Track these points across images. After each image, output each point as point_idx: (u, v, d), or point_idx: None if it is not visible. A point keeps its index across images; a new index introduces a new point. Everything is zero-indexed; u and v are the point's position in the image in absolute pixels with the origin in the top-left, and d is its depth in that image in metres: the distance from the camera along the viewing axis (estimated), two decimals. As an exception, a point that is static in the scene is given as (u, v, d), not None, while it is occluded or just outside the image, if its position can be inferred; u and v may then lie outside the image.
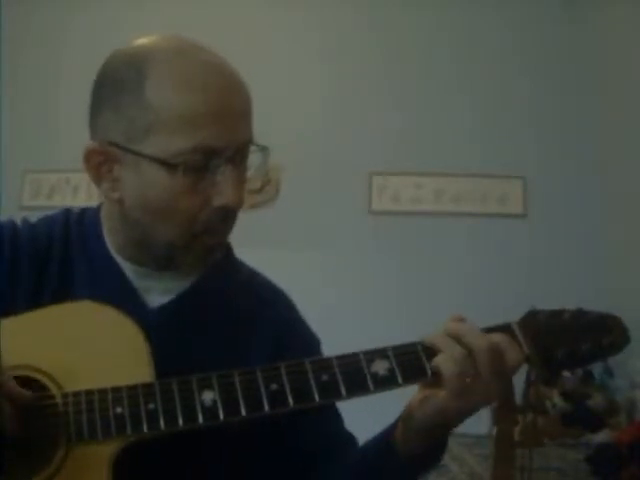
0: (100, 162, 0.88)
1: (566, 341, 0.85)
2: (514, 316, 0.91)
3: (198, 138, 0.83)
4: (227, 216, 0.89)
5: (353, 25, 3.69)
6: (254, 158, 0.91)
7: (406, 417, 0.85)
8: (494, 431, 2.13)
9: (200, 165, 0.84)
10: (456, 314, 0.85)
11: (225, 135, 0.85)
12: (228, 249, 1.03)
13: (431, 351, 0.83)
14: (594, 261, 3.39)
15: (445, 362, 0.80)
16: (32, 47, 3.78)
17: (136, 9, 3.70)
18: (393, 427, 0.88)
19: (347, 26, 3.69)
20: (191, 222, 0.86)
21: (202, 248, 0.90)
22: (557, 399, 2.91)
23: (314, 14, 3.73)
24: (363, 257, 3.53)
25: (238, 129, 0.87)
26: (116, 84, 0.86)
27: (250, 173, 0.91)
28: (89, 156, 0.88)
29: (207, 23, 3.17)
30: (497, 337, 0.82)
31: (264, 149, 0.91)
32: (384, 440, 0.89)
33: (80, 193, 3.69)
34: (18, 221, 0.98)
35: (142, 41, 0.89)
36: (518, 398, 1.97)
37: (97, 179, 0.90)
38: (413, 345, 0.84)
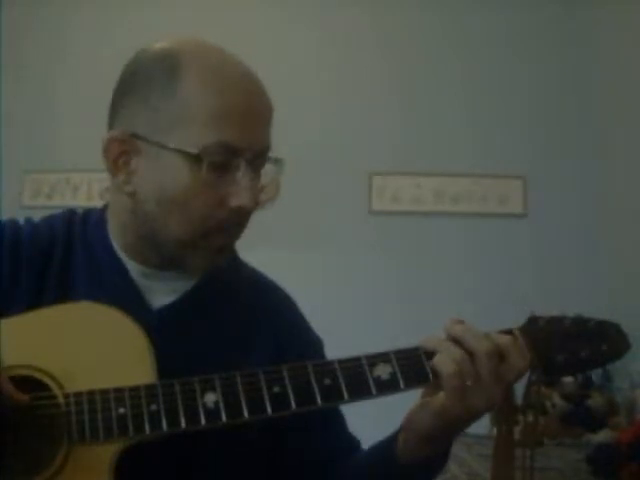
0: (119, 153, 0.88)
1: (566, 347, 0.86)
2: (514, 316, 0.91)
3: (224, 135, 0.84)
4: (241, 217, 0.89)
5: (353, 25, 3.69)
6: (267, 169, 0.92)
7: (407, 422, 0.85)
8: (494, 431, 2.13)
9: (222, 163, 0.85)
10: (454, 317, 0.85)
11: (249, 137, 0.86)
12: (232, 250, 1.03)
13: (433, 356, 0.83)
14: (594, 261, 3.39)
15: (443, 361, 0.80)
16: (32, 47, 3.78)
17: (136, 9, 3.70)
18: (396, 434, 0.88)
19: (347, 26, 3.69)
20: (204, 220, 0.87)
21: (211, 248, 0.90)
22: (557, 399, 2.91)
23: (314, 14, 3.73)
24: (363, 257, 3.52)
25: (261, 133, 0.89)
26: (146, 78, 0.87)
27: (263, 181, 0.91)
28: (109, 145, 0.88)
29: (207, 23, 3.16)
30: (502, 339, 0.82)
31: (279, 161, 0.92)
32: (386, 446, 0.89)
33: (80, 193, 3.69)
34: (20, 221, 0.98)
35: (172, 40, 0.90)
36: (518, 398, 1.97)
37: (113, 170, 0.90)
38: (415, 349, 0.84)
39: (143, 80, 0.87)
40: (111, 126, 0.91)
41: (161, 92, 0.85)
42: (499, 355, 0.81)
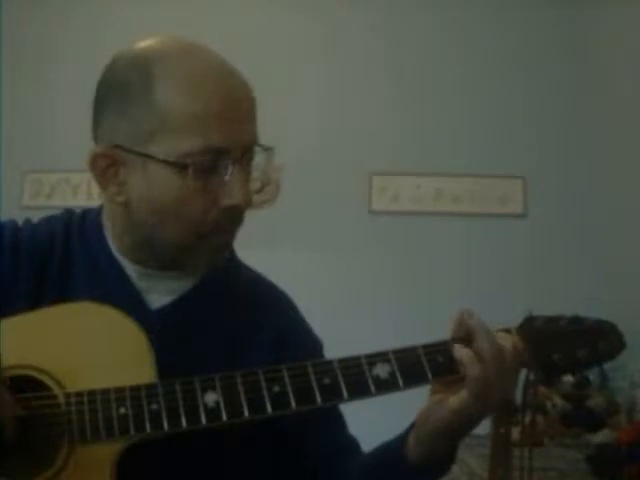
0: (106, 166, 0.88)
1: (563, 347, 0.86)
2: (514, 316, 0.92)
3: (207, 139, 0.83)
4: (235, 216, 0.89)
5: (353, 25, 3.69)
6: (258, 158, 0.91)
7: (422, 418, 0.85)
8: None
9: (209, 166, 0.84)
10: (467, 308, 0.86)
11: (233, 136, 0.85)
12: (231, 251, 1.03)
13: (432, 355, 0.83)
14: (594, 261, 3.39)
15: (472, 364, 0.81)
16: (32, 47, 3.78)
17: (136, 9, 3.70)
18: (404, 434, 0.88)
19: (347, 26, 3.69)
20: (199, 223, 0.86)
21: (209, 248, 0.90)
22: (557, 399, 2.91)
23: (314, 14, 3.72)
24: (363, 257, 3.52)
25: (245, 130, 0.87)
26: (121, 87, 0.86)
27: (255, 173, 0.91)
28: (95, 160, 0.88)
29: (207, 23, 3.17)
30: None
31: (268, 149, 0.91)
32: (393, 447, 0.89)
33: (80, 193, 3.68)
34: (19, 221, 0.98)
35: (145, 43, 0.89)
36: (518, 398, 1.97)
37: (103, 183, 0.89)
38: (414, 349, 0.85)
39: (119, 91, 0.86)
40: (95, 137, 0.90)
41: (138, 102, 0.84)
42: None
